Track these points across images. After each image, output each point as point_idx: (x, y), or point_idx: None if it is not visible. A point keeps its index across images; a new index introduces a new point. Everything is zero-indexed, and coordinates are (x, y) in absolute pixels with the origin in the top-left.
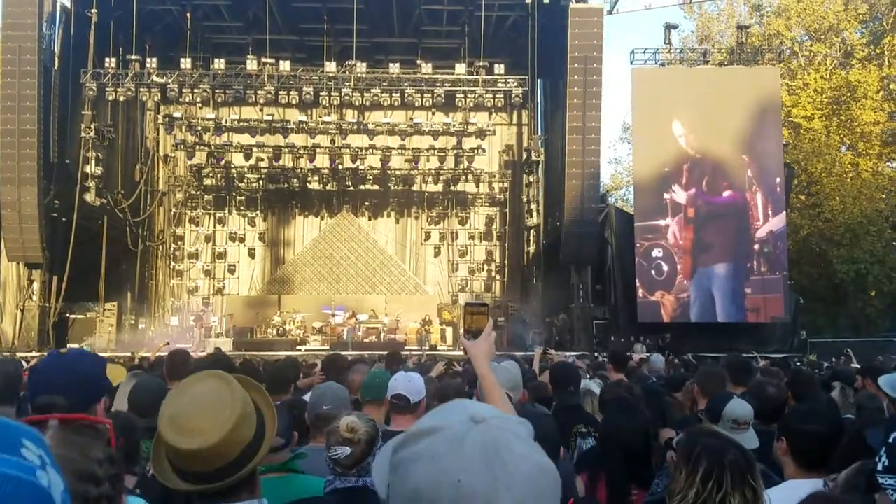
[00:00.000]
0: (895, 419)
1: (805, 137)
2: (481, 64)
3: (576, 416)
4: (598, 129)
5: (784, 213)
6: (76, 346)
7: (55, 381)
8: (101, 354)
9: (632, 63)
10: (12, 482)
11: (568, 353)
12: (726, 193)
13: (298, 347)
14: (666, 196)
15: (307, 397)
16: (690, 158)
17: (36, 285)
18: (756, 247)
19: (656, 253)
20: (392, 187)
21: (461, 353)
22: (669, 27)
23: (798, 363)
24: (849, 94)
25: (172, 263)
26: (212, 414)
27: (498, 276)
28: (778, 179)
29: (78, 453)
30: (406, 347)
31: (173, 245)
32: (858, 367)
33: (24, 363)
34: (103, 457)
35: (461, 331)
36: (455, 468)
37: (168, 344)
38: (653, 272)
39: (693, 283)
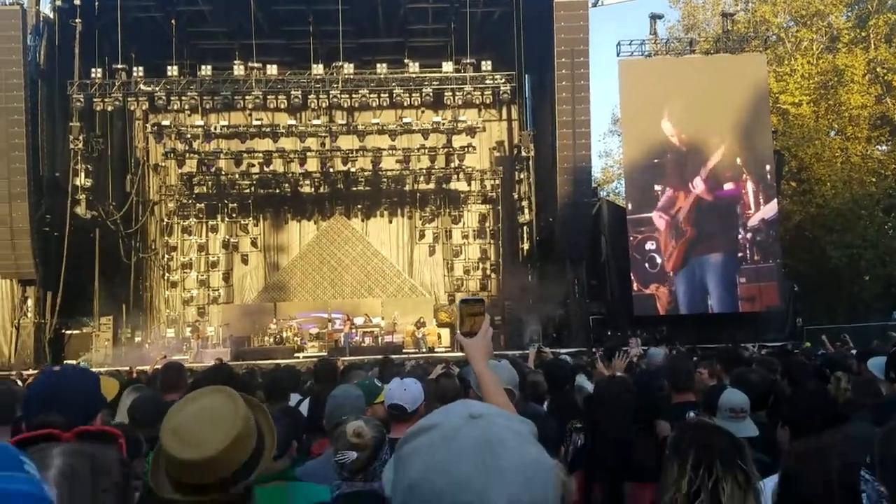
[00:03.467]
0: (880, 408)
1: (794, 123)
2: (468, 61)
3: (570, 413)
4: (588, 122)
5: (775, 200)
6: (72, 362)
7: (49, 399)
8: (99, 369)
9: (618, 55)
10: (29, 499)
11: (563, 350)
12: (727, 186)
13: (296, 355)
14: (657, 187)
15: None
16: (680, 151)
17: (30, 302)
18: (749, 235)
19: (650, 245)
20: (384, 188)
21: (460, 353)
22: (655, 17)
23: (795, 351)
24: (836, 79)
25: (166, 274)
26: (213, 428)
27: (493, 274)
28: (768, 167)
29: (92, 455)
30: (403, 350)
31: (166, 255)
32: (855, 351)
33: (19, 382)
34: (116, 458)
35: (458, 329)
36: (448, 461)
37: (165, 357)
38: (647, 265)
39: (683, 274)
